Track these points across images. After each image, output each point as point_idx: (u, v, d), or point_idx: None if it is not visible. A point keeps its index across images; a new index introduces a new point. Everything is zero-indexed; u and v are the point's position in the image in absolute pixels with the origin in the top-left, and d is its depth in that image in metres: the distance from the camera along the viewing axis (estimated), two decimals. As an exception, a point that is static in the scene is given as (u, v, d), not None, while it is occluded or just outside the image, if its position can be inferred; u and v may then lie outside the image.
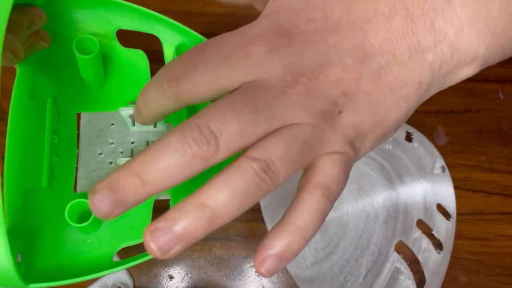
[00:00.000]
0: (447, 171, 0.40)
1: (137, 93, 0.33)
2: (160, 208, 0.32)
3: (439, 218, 0.39)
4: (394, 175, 0.40)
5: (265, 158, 0.19)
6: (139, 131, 0.34)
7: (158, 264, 0.37)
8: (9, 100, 0.29)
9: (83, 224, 0.28)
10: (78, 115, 0.35)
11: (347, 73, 0.20)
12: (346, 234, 0.39)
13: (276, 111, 0.20)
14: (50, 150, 0.32)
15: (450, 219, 0.39)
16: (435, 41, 0.21)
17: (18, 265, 0.24)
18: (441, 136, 0.41)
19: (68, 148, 0.33)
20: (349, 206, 0.39)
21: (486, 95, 0.42)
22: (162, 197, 0.33)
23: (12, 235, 0.27)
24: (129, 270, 0.37)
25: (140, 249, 0.29)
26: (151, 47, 0.34)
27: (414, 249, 0.38)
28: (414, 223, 0.39)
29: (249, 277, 0.37)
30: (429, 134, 0.40)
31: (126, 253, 0.35)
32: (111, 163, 0.34)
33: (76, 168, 0.33)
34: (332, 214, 0.39)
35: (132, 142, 0.34)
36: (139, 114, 0.25)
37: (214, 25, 0.42)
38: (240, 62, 0.20)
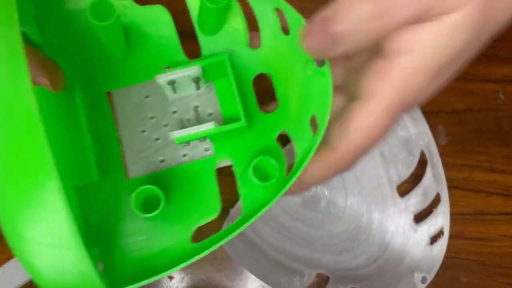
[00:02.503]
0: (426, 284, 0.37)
1: (165, 56, 0.31)
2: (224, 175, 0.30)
3: None
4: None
5: None
6: (178, 98, 0.31)
7: (158, 264, 0.37)
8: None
9: (154, 213, 0.26)
10: (108, 94, 0.31)
11: None
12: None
13: None
14: (91, 138, 0.28)
15: None
16: None
17: (102, 276, 0.21)
18: (441, 136, 0.41)
19: (107, 132, 0.30)
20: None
21: (486, 95, 0.42)
22: (223, 164, 0.31)
23: (86, 243, 0.25)
24: (129, 270, 0.37)
25: (215, 229, 0.28)
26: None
27: None
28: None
29: (249, 277, 0.37)
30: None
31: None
32: (157, 139, 0.31)
33: (122, 152, 0.30)
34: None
35: (174, 112, 0.31)
36: None
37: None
38: None
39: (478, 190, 0.40)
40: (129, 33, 0.31)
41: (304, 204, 0.39)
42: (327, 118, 0.27)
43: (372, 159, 0.39)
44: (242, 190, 0.29)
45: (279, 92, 0.31)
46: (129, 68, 0.31)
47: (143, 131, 0.31)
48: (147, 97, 0.31)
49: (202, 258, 0.37)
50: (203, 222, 0.29)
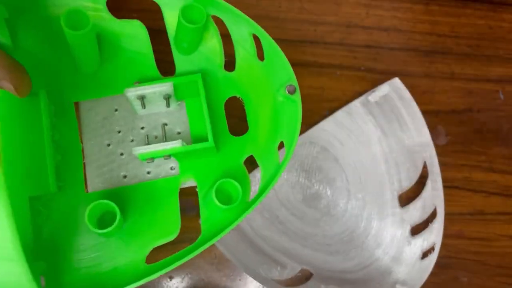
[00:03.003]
0: None
1: (138, 70, 0.31)
2: (186, 194, 0.30)
3: None
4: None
5: None
6: (148, 113, 0.31)
7: (158, 264, 0.37)
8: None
9: (107, 230, 0.25)
10: (76, 105, 0.30)
11: None
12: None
13: None
14: (52, 148, 0.27)
15: None
16: None
17: None
18: (441, 136, 0.41)
19: (71, 143, 0.29)
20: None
21: (486, 95, 0.42)
22: (188, 184, 0.30)
23: (29, 256, 0.24)
24: (129, 270, 0.36)
25: (172, 248, 0.27)
26: (149, 16, 0.31)
27: None
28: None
29: (249, 277, 0.37)
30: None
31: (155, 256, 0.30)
32: (122, 154, 0.30)
33: (84, 164, 0.29)
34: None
35: (142, 128, 0.31)
36: None
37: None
38: None
39: (478, 190, 0.40)
40: (104, 45, 0.31)
41: (304, 201, 0.38)
42: (294, 145, 0.27)
43: (378, 165, 0.39)
44: (203, 212, 0.29)
45: (250, 116, 0.31)
46: (100, 80, 0.31)
47: (108, 145, 0.30)
48: (116, 110, 0.31)
49: (202, 258, 0.37)
50: (160, 242, 0.28)
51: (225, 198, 0.27)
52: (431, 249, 0.37)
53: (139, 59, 0.31)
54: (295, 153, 0.39)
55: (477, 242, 0.39)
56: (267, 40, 0.29)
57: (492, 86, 0.43)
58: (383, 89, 0.39)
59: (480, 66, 0.43)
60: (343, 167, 0.39)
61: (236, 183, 0.27)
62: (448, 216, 0.38)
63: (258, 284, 0.37)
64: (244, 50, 0.31)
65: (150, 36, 0.31)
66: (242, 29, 0.29)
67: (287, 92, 0.28)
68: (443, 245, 0.38)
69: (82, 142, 0.30)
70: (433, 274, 0.37)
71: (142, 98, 0.28)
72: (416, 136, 0.39)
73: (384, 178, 0.39)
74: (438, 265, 0.37)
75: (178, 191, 0.29)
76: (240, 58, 0.31)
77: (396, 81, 0.39)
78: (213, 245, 0.37)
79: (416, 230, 0.38)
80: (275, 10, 0.41)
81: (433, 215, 0.38)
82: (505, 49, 0.44)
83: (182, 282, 0.37)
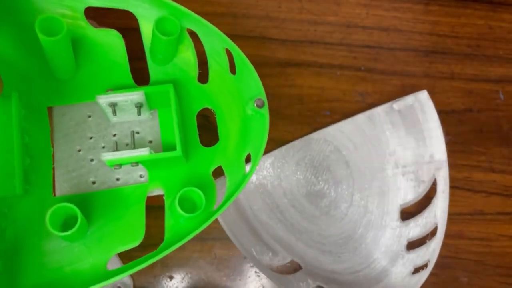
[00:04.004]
0: None
1: (114, 79, 0.31)
2: (154, 207, 0.30)
3: None
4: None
5: None
6: (121, 121, 0.31)
7: (158, 264, 0.37)
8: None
9: (68, 233, 0.25)
10: (50, 109, 0.31)
11: None
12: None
13: None
14: (21, 151, 0.28)
15: None
16: None
17: None
18: (441, 136, 0.41)
19: (42, 147, 0.30)
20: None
21: (486, 95, 0.42)
22: (155, 193, 0.31)
23: None
24: (129, 270, 0.36)
25: (138, 252, 0.27)
26: (126, 26, 0.31)
27: None
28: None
29: (249, 277, 0.37)
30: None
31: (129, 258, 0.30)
32: (92, 160, 0.30)
33: (53, 169, 0.30)
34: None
35: (114, 135, 0.31)
36: None
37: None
38: None
39: (478, 190, 0.40)
40: (80, 53, 0.31)
41: (307, 196, 0.38)
42: (260, 157, 0.28)
43: (387, 176, 0.39)
44: (168, 221, 0.29)
45: (221, 127, 0.32)
46: (75, 86, 0.31)
47: (79, 150, 0.31)
48: (89, 117, 0.31)
49: (202, 258, 0.37)
50: (123, 249, 0.28)
51: (190, 206, 0.27)
52: (424, 266, 0.37)
53: (114, 68, 0.32)
54: (308, 147, 0.39)
55: (477, 242, 0.39)
56: (238, 55, 0.30)
57: (492, 86, 0.43)
58: (408, 100, 0.39)
59: (480, 66, 0.43)
60: (352, 171, 0.39)
61: (200, 192, 0.27)
62: (448, 216, 0.38)
63: (258, 284, 0.37)
64: (216, 63, 0.31)
65: (128, 37, 0.32)
66: (215, 43, 0.30)
67: (255, 106, 0.29)
68: (443, 245, 0.38)
69: (52, 147, 0.30)
70: (433, 274, 0.37)
71: (113, 105, 0.29)
72: (432, 153, 0.39)
73: (390, 189, 0.39)
74: (438, 265, 0.37)
75: (145, 199, 0.30)
76: (213, 71, 0.32)
77: (423, 94, 0.39)
78: (213, 245, 0.37)
79: (413, 245, 0.38)
80: (275, 10, 0.41)
81: (432, 233, 0.38)
82: (505, 49, 0.44)
83: (182, 282, 0.37)
